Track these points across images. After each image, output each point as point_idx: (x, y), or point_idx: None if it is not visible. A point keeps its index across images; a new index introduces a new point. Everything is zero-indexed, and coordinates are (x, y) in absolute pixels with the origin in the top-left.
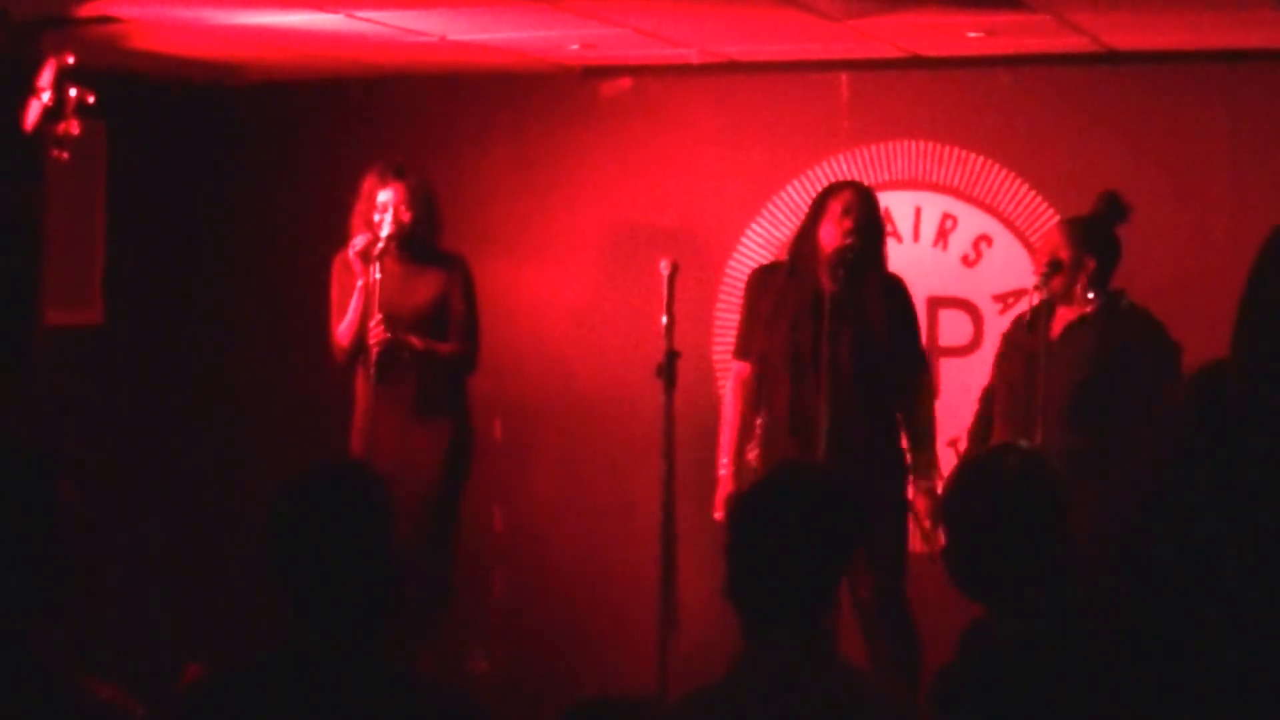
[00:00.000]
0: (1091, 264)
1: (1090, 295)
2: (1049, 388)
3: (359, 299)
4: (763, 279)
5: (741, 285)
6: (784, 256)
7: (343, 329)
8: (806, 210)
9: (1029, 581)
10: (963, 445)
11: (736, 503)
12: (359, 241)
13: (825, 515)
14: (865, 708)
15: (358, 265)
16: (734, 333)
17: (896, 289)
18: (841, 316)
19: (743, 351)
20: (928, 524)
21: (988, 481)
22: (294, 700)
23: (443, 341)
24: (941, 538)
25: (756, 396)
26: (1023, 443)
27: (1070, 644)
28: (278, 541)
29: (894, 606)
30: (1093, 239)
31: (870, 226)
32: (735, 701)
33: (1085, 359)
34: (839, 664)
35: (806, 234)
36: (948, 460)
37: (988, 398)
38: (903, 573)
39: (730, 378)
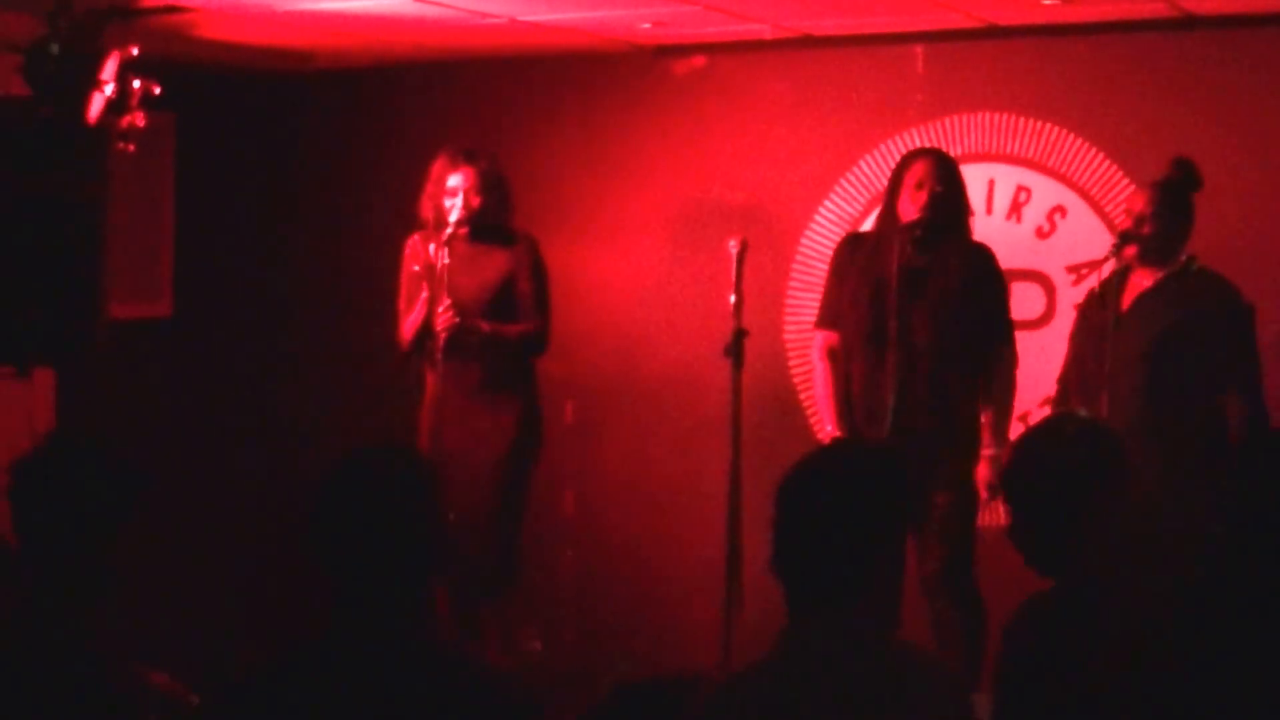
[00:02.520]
0: (1186, 226)
1: (1183, 256)
2: (1116, 359)
3: (423, 308)
4: (850, 248)
5: (817, 259)
6: (874, 227)
7: (409, 321)
8: (888, 180)
9: (1092, 550)
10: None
11: (784, 478)
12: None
13: (870, 492)
14: (910, 682)
15: (425, 251)
16: (818, 300)
17: (981, 258)
18: (915, 292)
19: (828, 320)
20: (984, 494)
21: (1047, 452)
22: (342, 686)
23: (512, 322)
24: (997, 508)
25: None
26: (1081, 412)
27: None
28: (323, 525)
29: (960, 580)
30: (1179, 202)
31: (948, 196)
32: (779, 678)
33: (1155, 328)
34: (885, 639)
35: (888, 207)
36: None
37: (1063, 380)
38: (970, 547)
39: (815, 348)
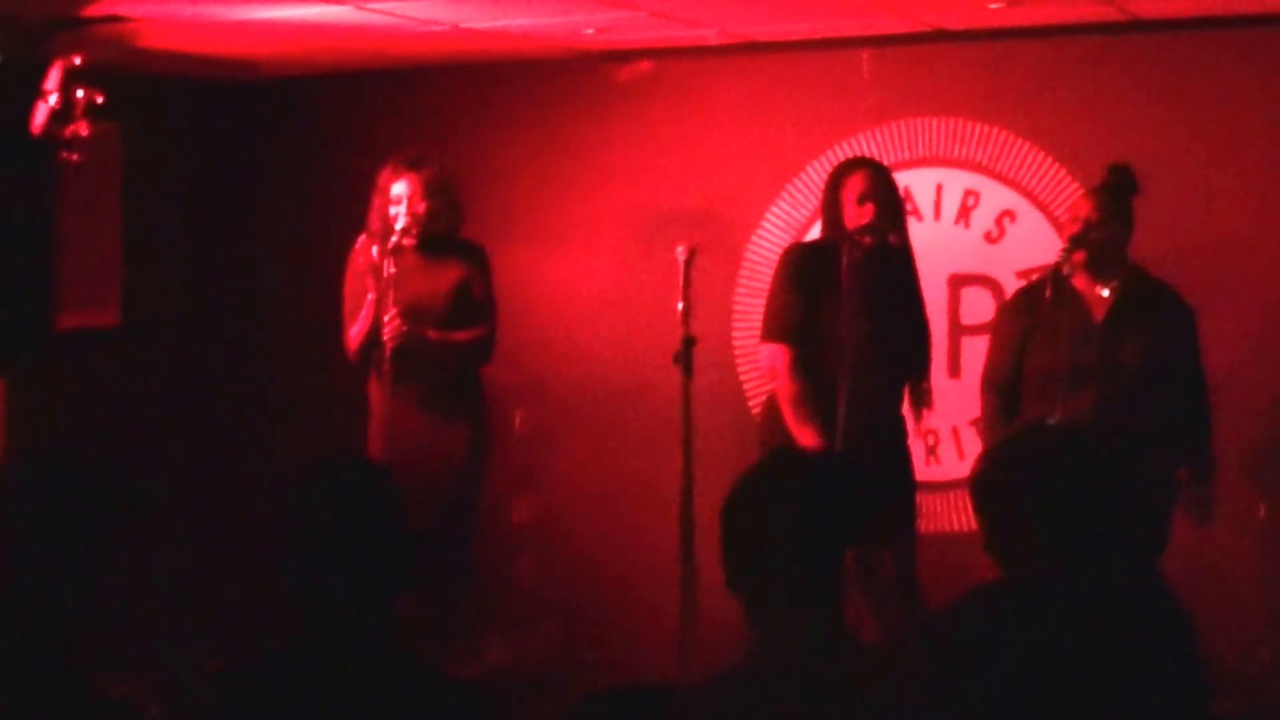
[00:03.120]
0: (1128, 233)
1: (1126, 266)
2: (1093, 370)
3: (369, 310)
4: (800, 258)
5: (764, 265)
6: (821, 237)
7: (354, 332)
8: (823, 192)
9: (1069, 558)
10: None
11: (729, 493)
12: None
13: (818, 501)
14: (879, 683)
15: (370, 253)
16: (766, 312)
17: (908, 263)
18: (862, 297)
19: (784, 333)
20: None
21: (1029, 462)
22: (309, 694)
23: (461, 331)
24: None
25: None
26: (1051, 420)
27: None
28: (286, 538)
29: (907, 583)
30: (1123, 208)
31: (889, 206)
32: (747, 690)
33: (1136, 341)
34: (847, 643)
35: (831, 219)
36: (970, 442)
37: (999, 383)
38: (914, 550)
39: (776, 361)
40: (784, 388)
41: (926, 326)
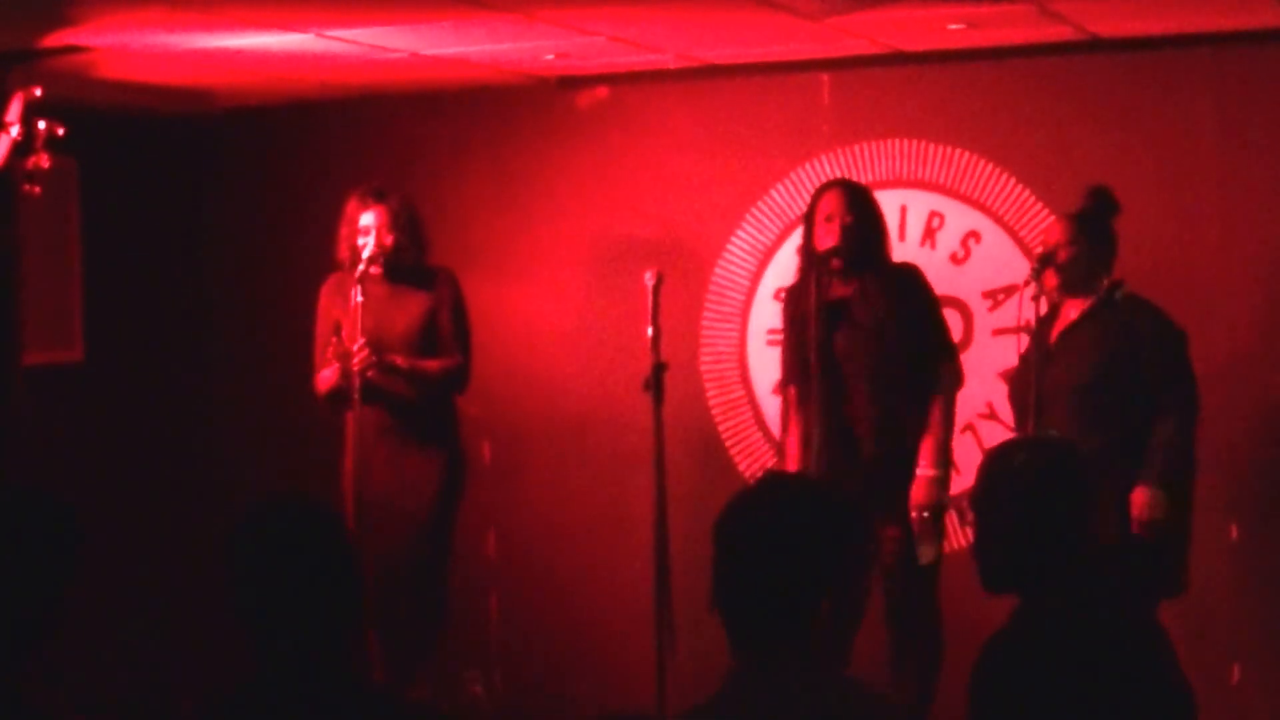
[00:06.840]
0: (1107, 254)
1: (1106, 283)
2: (1045, 392)
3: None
4: (787, 298)
5: (731, 290)
6: (797, 266)
7: (323, 376)
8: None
9: (1056, 575)
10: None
11: (720, 515)
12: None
13: (808, 528)
14: (858, 717)
15: (339, 296)
16: (736, 333)
17: (906, 281)
18: (839, 323)
19: (786, 375)
20: (914, 515)
21: (1018, 475)
22: None
23: (433, 359)
24: (928, 544)
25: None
26: (1053, 432)
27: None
28: (233, 579)
29: (913, 609)
30: (1097, 230)
31: (861, 225)
32: (729, 718)
33: (1084, 360)
34: (833, 675)
35: (805, 242)
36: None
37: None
38: (924, 578)
39: (786, 404)
40: (783, 428)
41: (934, 342)
